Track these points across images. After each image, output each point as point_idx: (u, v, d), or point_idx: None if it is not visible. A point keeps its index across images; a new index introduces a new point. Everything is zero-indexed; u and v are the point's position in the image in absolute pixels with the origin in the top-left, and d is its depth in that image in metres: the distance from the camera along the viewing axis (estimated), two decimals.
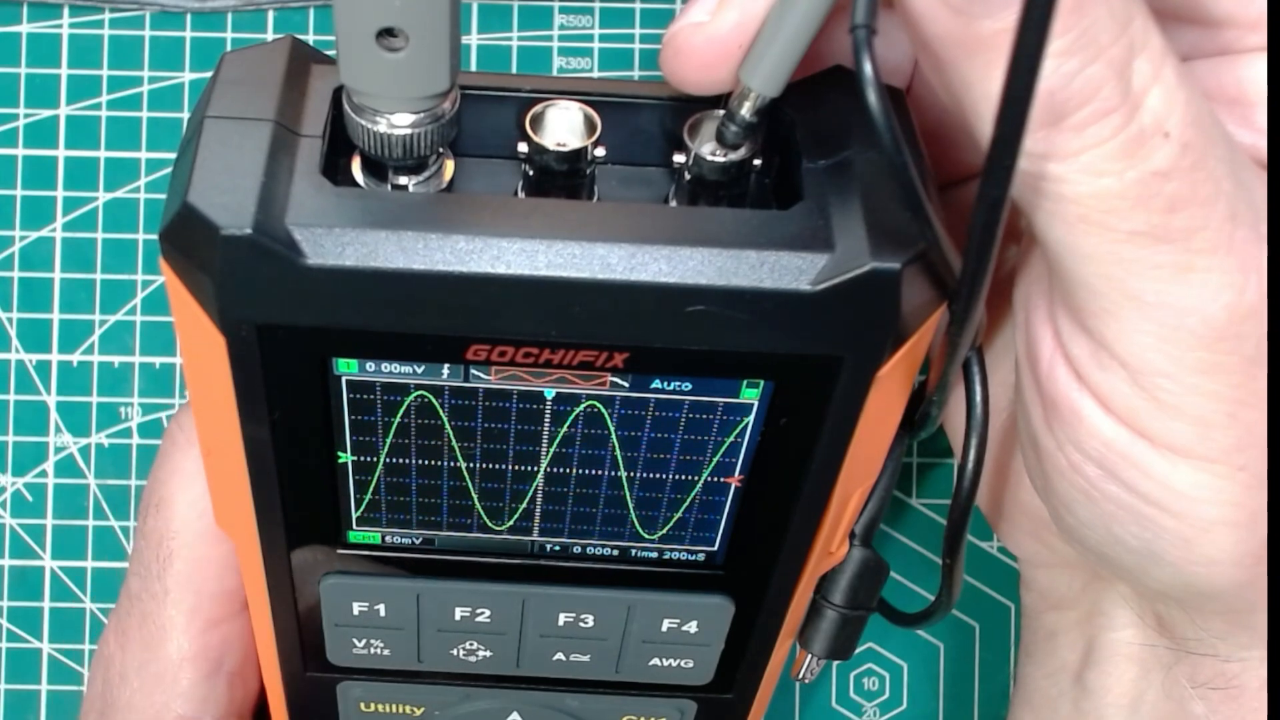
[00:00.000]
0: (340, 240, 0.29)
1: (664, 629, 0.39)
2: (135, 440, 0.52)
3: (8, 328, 0.51)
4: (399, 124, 0.30)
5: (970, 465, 0.36)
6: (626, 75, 0.52)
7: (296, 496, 0.35)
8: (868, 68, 0.28)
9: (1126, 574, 0.38)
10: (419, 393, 0.33)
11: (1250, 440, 0.33)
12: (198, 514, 0.41)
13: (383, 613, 0.38)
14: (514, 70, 0.51)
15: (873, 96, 0.28)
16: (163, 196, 0.51)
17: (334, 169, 0.31)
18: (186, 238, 0.29)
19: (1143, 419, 0.33)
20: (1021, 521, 0.43)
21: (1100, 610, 0.42)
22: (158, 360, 0.51)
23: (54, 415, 0.52)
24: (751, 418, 0.33)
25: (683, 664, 0.40)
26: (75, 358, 0.51)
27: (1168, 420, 0.33)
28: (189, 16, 0.51)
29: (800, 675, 0.43)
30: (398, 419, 0.33)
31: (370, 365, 0.32)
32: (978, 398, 0.36)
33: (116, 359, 0.51)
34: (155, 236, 0.49)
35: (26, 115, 0.51)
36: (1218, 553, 0.34)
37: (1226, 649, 0.39)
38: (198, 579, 0.41)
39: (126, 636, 0.42)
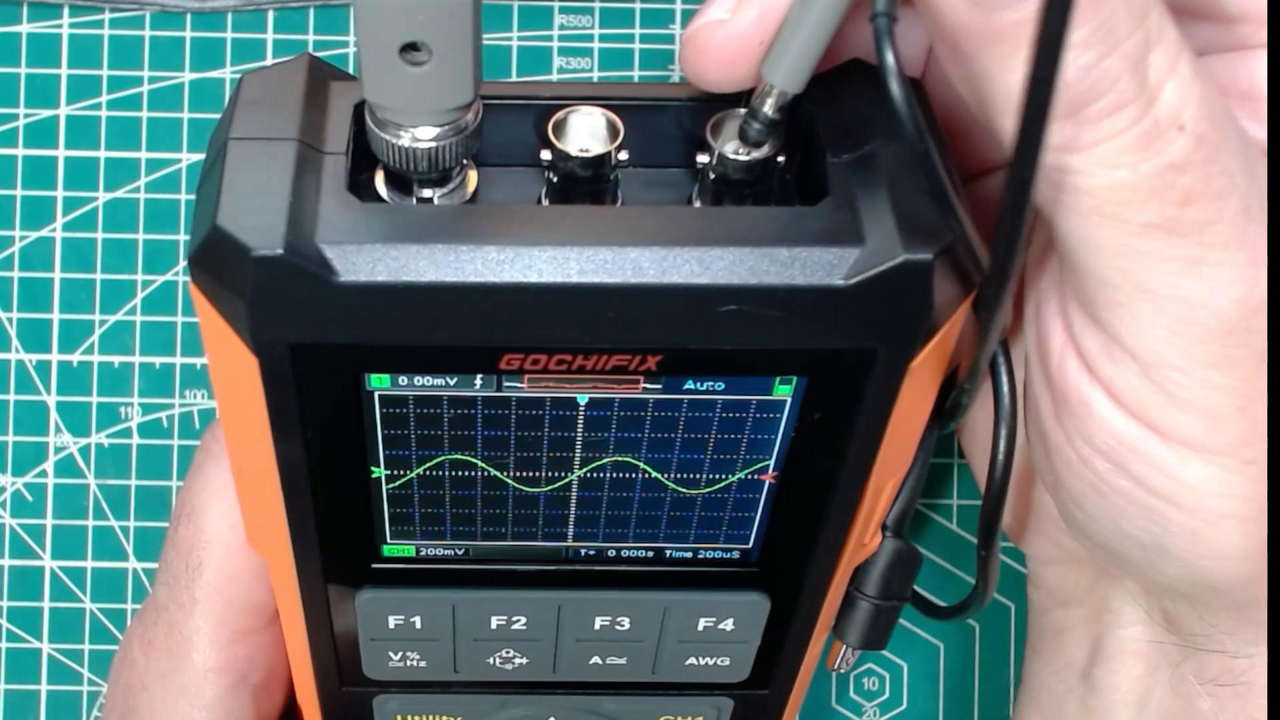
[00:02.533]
0: (371, 256, 0.29)
1: (700, 628, 0.39)
2: (135, 440, 0.52)
3: (8, 328, 0.51)
4: (423, 137, 0.30)
5: (1001, 456, 0.36)
6: (626, 75, 0.52)
7: (331, 513, 0.35)
8: (890, 57, 0.28)
9: (1134, 569, 0.38)
10: (452, 405, 0.33)
11: (1259, 434, 0.33)
12: (229, 525, 0.41)
13: (419, 625, 0.38)
14: (514, 71, 0.51)
15: (896, 87, 0.28)
16: (163, 196, 0.51)
17: (357, 185, 0.31)
18: (217, 260, 0.29)
19: (1153, 412, 0.33)
20: (1029, 518, 0.43)
21: (1108, 607, 0.42)
22: (158, 360, 0.51)
23: (54, 415, 0.51)
24: (785, 414, 0.33)
25: (719, 662, 0.40)
26: (75, 358, 0.51)
27: (1178, 414, 0.33)
28: (189, 16, 0.51)
29: (836, 666, 0.43)
30: (431, 432, 0.33)
31: (403, 379, 0.32)
32: (1005, 388, 0.36)
33: (116, 359, 0.51)
34: (155, 236, 0.49)
35: (26, 115, 0.51)
36: (1226, 546, 0.35)
37: (1234, 645, 0.39)
38: (227, 590, 0.41)
39: (151, 645, 0.42)
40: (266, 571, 0.40)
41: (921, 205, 0.30)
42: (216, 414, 0.41)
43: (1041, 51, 0.26)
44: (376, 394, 0.32)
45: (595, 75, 0.52)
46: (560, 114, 0.33)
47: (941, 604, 0.43)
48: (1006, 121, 0.30)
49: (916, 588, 0.42)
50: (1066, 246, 0.32)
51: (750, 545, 0.37)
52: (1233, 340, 0.32)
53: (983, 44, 0.29)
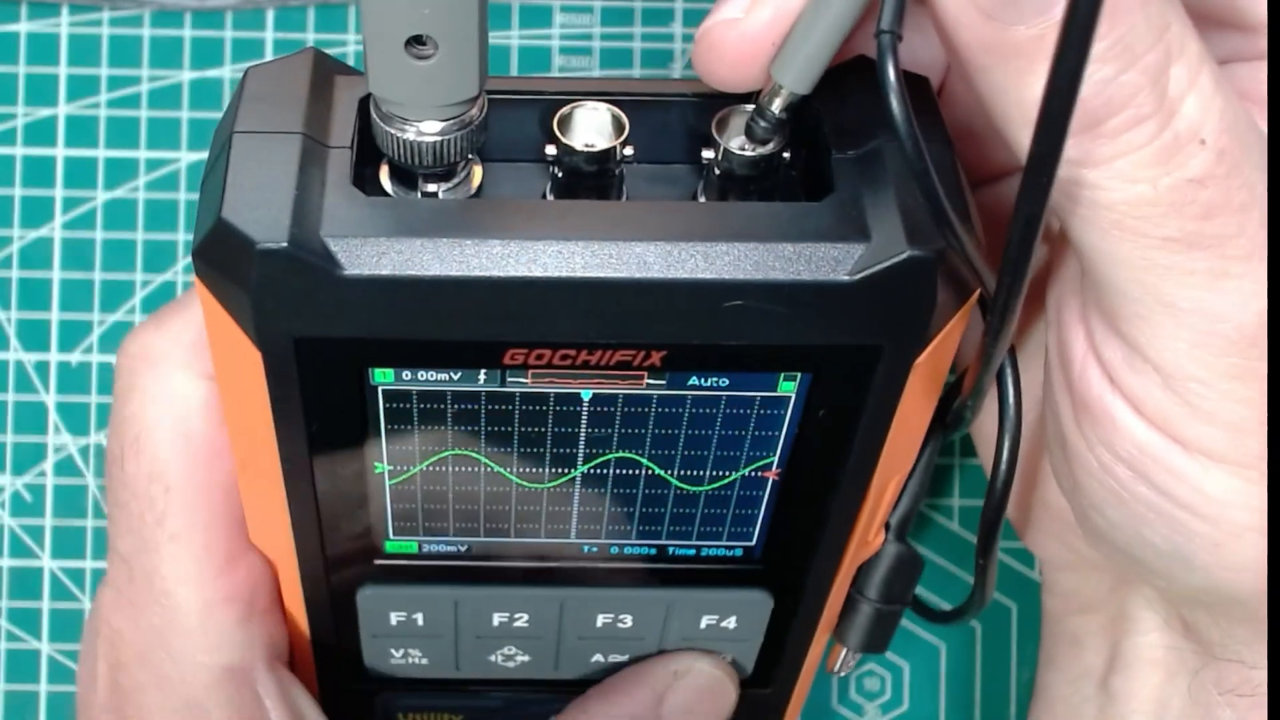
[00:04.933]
0: (375, 250, 0.29)
1: (703, 626, 0.39)
2: None
3: (6, 328, 0.51)
4: (428, 131, 0.30)
5: (1004, 465, 0.36)
6: (626, 75, 0.52)
7: (333, 509, 0.35)
8: (891, 74, 0.28)
9: (1154, 577, 0.37)
10: (456, 400, 0.33)
11: None
12: (186, 437, 0.37)
13: (420, 622, 0.38)
14: (514, 70, 0.51)
15: (896, 104, 0.28)
16: (162, 196, 0.51)
17: (361, 179, 0.31)
18: (221, 254, 0.29)
19: (1175, 423, 0.33)
20: (1045, 523, 0.43)
21: (1126, 614, 0.42)
22: None
23: (53, 415, 0.51)
24: (789, 411, 0.33)
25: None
26: (74, 357, 0.51)
27: (1200, 425, 0.33)
28: (188, 15, 0.51)
29: (836, 668, 0.43)
30: (434, 427, 0.33)
31: (407, 374, 0.32)
32: (1010, 399, 0.36)
33: (116, 359, 0.51)
34: (154, 236, 0.49)
35: (25, 114, 0.51)
36: (1247, 558, 0.34)
37: (1252, 656, 0.38)
38: (204, 511, 0.37)
39: (135, 607, 0.38)
40: (238, 477, 0.37)
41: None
42: (132, 331, 0.38)
43: (1055, 85, 0.26)
44: (380, 388, 0.32)
45: (595, 75, 0.52)
46: (566, 109, 0.33)
47: (938, 609, 0.43)
48: (1021, 134, 0.30)
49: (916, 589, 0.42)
50: (1086, 259, 0.32)
51: (753, 542, 0.37)
52: (1255, 353, 0.32)
53: (997, 59, 0.29)
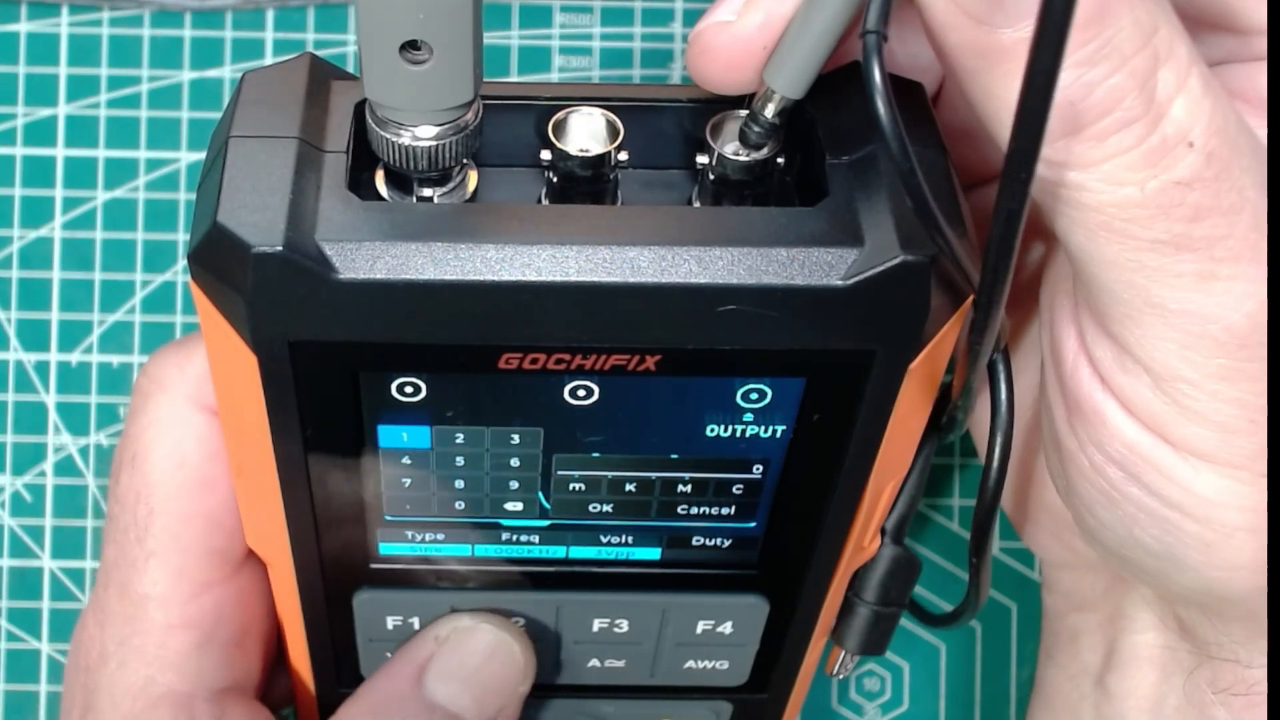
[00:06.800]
0: (370, 254, 0.29)
1: (699, 631, 0.39)
2: None
3: (6, 328, 0.51)
4: (423, 136, 0.30)
5: (995, 466, 0.36)
6: (626, 75, 0.52)
7: (329, 512, 0.35)
8: (877, 75, 0.28)
9: (1147, 577, 0.37)
10: (451, 403, 0.33)
11: None
12: (178, 465, 0.38)
13: (416, 626, 0.39)
14: (514, 71, 0.51)
15: (881, 104, 0.28)
16: (162, 196, 0.51)
17: (357, 183, 0.31)
18: (217, 257, 0.29)
19: (1165, 423, 0.33)
20: (1045, 522, 0.43)
21: (1123, 612, 0.42)
22: None
23: (53, 415, 0.51)
24: (784, 415, 0.33)
25: (718, 665, 0.41)
26: (74, 357, 0.51)
27: (1190, 425, 0.33)
28: (188, 15, 0.51)
29: (834, 671, 0.43)
30: (430, 430, 0.33)
31: (401, 378, 0.32)
32: (1003, 398, 0.36)
33: (115, 359, 0.51)
34: (154, 235, 0.49)
35: (25, 114, 0.51)
36: (1238, 558, 0.34)
37: (1247, 655, 0.39)
38: (184, 537, 0.38)
39: (105, 613, 0.39)
40: (226, 513, 0.38)
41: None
42: (155, 352, 0.39)
43: (1032, 83, 0.26)
44: (375, 392, 0.32)
45: (595, 75, 0.52)
46: (560, 114, 0.33)
47: (936, 611, 0.43)
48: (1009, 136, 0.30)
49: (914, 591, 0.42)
50: (1075, 259, 0.32)
51: (749, 548, 0.37)
52: (1244, 354, 0.32)
53: (984, 63, 0.29)
